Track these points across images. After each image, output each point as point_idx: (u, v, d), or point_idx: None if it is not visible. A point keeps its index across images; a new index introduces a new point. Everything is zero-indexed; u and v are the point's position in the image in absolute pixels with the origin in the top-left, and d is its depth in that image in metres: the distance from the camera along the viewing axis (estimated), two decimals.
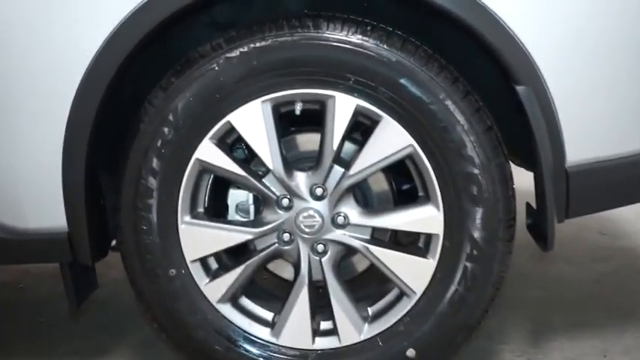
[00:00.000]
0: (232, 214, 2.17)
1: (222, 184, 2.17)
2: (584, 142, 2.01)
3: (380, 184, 2.20)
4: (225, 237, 2.08)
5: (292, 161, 2.12)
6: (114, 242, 2.23)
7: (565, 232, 3.43)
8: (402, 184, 2.27)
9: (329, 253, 2.09)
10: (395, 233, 2.21)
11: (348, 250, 2.12)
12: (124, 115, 2.11)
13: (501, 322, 2.59)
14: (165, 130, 2.00)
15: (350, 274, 2.27)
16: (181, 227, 2.06)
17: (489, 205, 1.98)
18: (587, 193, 2.05)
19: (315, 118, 2.09)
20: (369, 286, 2.28)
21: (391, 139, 1.99)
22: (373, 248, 2.06)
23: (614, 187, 2.08)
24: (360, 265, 2.29)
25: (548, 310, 2.68)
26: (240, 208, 2.17)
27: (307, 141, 2.20)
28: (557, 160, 1.99)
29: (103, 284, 3.01)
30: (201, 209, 2.11)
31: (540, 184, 2.00)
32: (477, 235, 2.00)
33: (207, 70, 1.96)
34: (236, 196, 2.17)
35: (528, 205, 2.21)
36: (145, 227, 2.05)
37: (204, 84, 1.97)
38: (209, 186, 2.12)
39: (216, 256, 2.14)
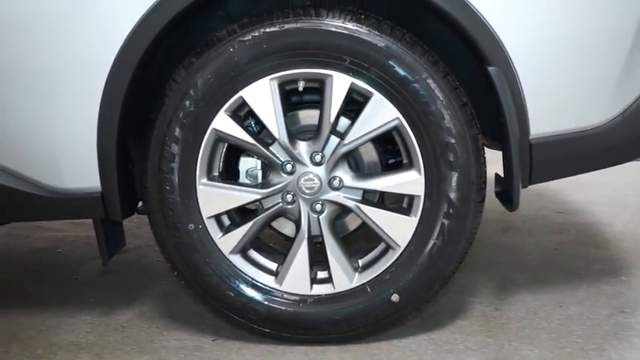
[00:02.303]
0: (242, 179, 2.18)
1: (234, 152, 2.18)
2: (545, 116, 2.02)
3: (370, 154, 2.22)
4: (237, 197, 2.10)
5: (295, 133, 2.15)
6: (140, 204, 2.26)
7: (527, 210, 3.48)
8: (389, 158, 2.30)
9: (326, 212, 2.10)
10: (382, 196, 2.23)
11: (342, 210, 2.14)
12: (151, 91, 2.13)
13: (472, 280, 2.61)
14: (187, 103, 2.02)
15: (343, 231, 2.27)
16: (199, 188, 2.08)
17: (464, 170, 2.01)
18: (547, 163, 2.06)
19: (315, 96, 2.14)
20: (359, 241, 2.30)
21: (380, 113, 2.01)
22: (364, 207, 2.08)
23: (571, 158, 2.09)
24: (352, 224, 2.30)
25: (512, 271, 2.70)
26: (250, 174, 2.18)
27: (307, 116, 2.22)
28: (523, 133, 2.01)
29: (128, 249, 3.07)
30: (216, 173, 2.12)
31: (508, 154, 2.02)
32: (453, 196, 2.02)
33: (223, 51, 1.99)
34: (246, 163, 2.18)
35: (497, 175, 2.23)
36: (167, 187, 2.07)
37: (221, 63, 2.00)
38: (223, 153, 2.13)
39: (229, 213, 2.15)
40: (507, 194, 2.10)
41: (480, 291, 2.51)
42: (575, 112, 2.06)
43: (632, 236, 3.07)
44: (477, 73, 2.07)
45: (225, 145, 2.13)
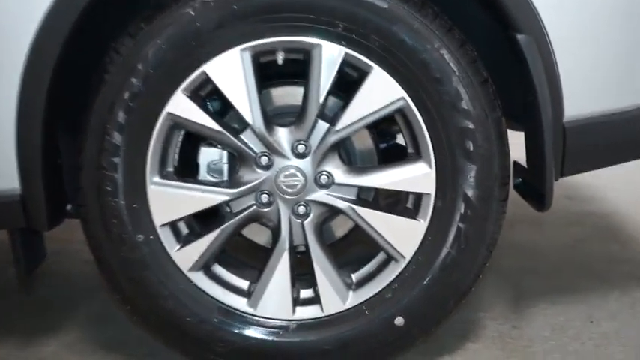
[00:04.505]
0: (203, 174, 2.10)
1: (191, 141, 2.10)
2: (582, 96, 2.01)
3: (364, 142, 2.15)
4: (199, 199, 2.01)
5: (270, 116, 2.07)
6: (69, 207, 2.16)
7: None
8: (380, 143, 2.24)
9: (311, 216, 2.04)
10: (376, 194, 2.18)
11: (331, 212, 2.08)
12: (86, 68, 2.01)
13: (480, 290, 2.59)
14: (134, 81, 1.92)
15: (328, 239, 2.22)
16: (150, 188, 1.99)
17: (485, 162, 1.97)
18: (582, 151, 2.05)
19: (292, 70, 2.07)
20: (349, 251, 2.26)
21: (381, 92, 1.95)
22: (360, 209, 2.02)
23: (610, 145, 2.09)
24: (339, 230, 2.25)
25: (526, 276, 2.70)
26: (212, 168, 2.09)
27: (284, 95, 2.14)
28: (556, 115, 1.98)
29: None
30: (170, 168, 2.04)
31: (538, 140, 1.99)
32: (471, 193, 1.98)
33: (182, 15, 1.89)
34: (208, 155, 2.09)
35: (516, 164, 2.20)
36: (109, 188, 1.97)
37: (179, 30, 1.90)
38: (179, 144, 2.05)
39: (187, 220, 2.07)
40: (534, 189, 2.08)
41: (491, 304, 2.50)
42: (615, 91, 2.05)
43: None
44: (494, 42, 2.04)
45: (182, 133, 2.04)
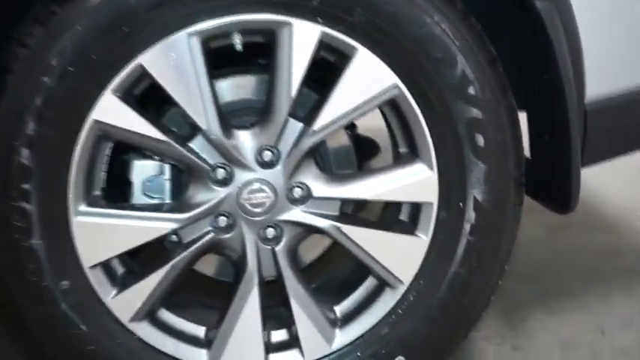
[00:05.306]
0: (138, 196, 1.79)
1: (119, 151, 1.78)
2: (605, 72, 1.87)
3: (338, 138, 1.87)
4: (139, 229, 1.71)
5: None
6: None
7: None
8: None
9: (284, 239, 1.77)
10: (355, 205, 1.90)
11: (308, 233, 1.80)
12: None
13: None
14: (47, 81, 1.61)
15: None
16: (75, 220, 1.67)
17: (498, 159, 1.76)
18: (605, 135, 1.90)
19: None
20: (321, 278, 1.98)
21: (369, 79, 1.71)
22: (347, 228, 1.76)
23: (631, 128, 1.95)
24: (309, 254, 1.97)
25: (509, 282, 2.51)
26: (150, 186, 1.77)
27: (237, 87, 1.83)
28: (579, 95, 1.78)
29: None
30: (97, 192, 1.73)
31: (560, 127, 1.80)
32: (482, 199, 1.76)
33: None
34: (143, 170, 1.79)
35: None
36: (19, 224, 1.66)
37: (106, 13, 1.59)
38: (106, 158, 1.73)
39: (122, 257, 1.76)
40: (549, 187, 1.87)
41: (483, 320, 2.29)
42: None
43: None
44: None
45: (111, 145, 1.71)
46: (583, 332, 2.21)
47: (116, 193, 1.82)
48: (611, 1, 1.83)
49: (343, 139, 1.90)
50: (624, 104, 1.88)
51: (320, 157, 1.88)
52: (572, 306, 2.34)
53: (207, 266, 2.01)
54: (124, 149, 1.79)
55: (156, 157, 1.79)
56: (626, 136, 1.96)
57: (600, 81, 1.83)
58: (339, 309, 1.86)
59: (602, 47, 1.83)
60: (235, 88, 1.84)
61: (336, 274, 1.98)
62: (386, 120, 1.83)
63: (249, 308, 1.78)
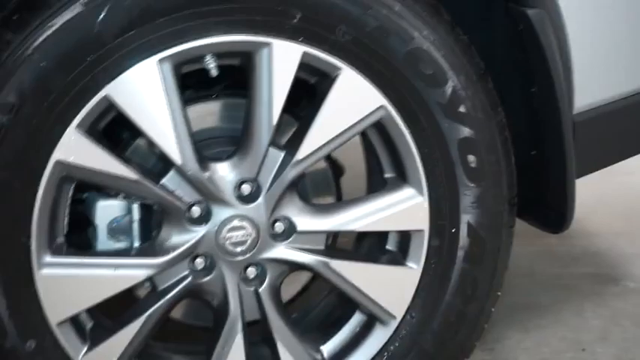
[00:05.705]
0: (103, 240, 1.66)
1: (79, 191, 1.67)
2: (594, 81, 1.85)
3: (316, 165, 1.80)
4: (109, 279, 1.60)
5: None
6: None
7: None
8: None
9: (268, 279, 1.69)
10: (334, 237, 1.84)
11: (292, 269, 1.72)
12: None
13: None
14: (4, 119, 1.49)
15: None
16: (40, 273, 1.55)
17: (492, 180, 1.73)
18: (594, 146, 1.89)
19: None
20: (303, 316, 1.90)
21: (355, 101, 1.65)
22: (335, 263, 1.69)
23: (622, 135, 1.96)
24: (289, 289, 1.88)
25: None
26: (116, 229, 1.66)
27: (206, 114, 1.74)
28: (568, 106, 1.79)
29: None
30: (61, 238, 1.61)
31: (552, 140, 1.79)
32: (476, 223, 1.73)
33: (73, 17, 1.48)
34: (109, 211, 1.66)
35: None
36: None
37: (68, 39, 1.49)
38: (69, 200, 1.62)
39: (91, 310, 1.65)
40: (537, 206, 1.84)
41: None
42: (630, 73, 1.91)
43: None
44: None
45: (73, 185, 1.60)
46: (563, 350, 2.19)
47: (78, 237, 1.69)
48: (598, 9, 1.81)
49: (319, 162, 1.82)
50: (613, 112, 1.88)
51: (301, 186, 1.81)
52: (545, 322, 2.32)
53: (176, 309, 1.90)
54: (85, 187, 1.68)
55: (120, 196, 1.68)
56: (615, 145, 1.95)
57: (588, 90, 1.81)
58: (326, 349, 1.79)
59: (594, 55, 1.82)
60: (202, 116, 1.76)
61: (319, 311, 1.90)
62: (365, 143, 1.77)
63: (234, 356, 1.69)
